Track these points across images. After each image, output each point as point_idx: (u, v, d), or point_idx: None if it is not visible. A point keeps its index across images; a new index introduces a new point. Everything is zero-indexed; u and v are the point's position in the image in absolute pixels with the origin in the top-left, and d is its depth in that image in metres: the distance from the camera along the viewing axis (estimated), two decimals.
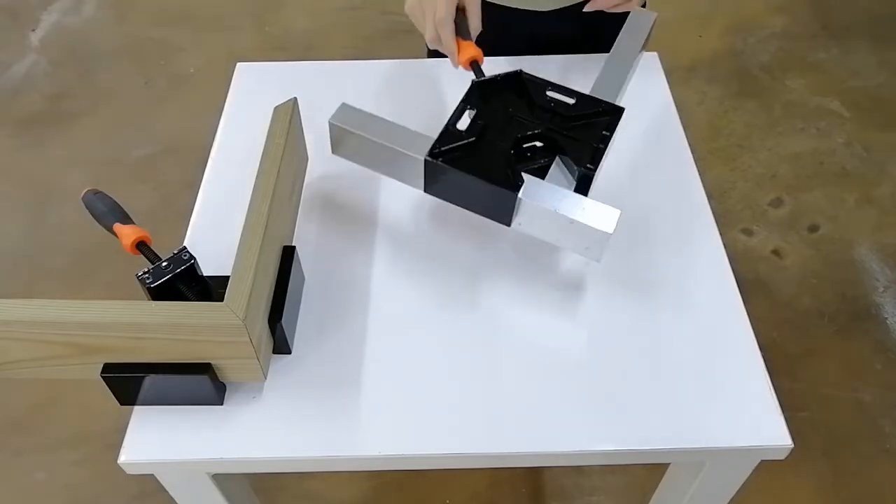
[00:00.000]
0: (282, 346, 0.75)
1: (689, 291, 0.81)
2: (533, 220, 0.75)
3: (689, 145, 0.96)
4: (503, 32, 1.08)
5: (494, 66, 1.02)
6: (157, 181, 2.09)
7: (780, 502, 1.47)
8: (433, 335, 0.78)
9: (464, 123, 0.79)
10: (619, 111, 0.81)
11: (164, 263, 0.71)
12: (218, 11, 2.66)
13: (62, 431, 1.60)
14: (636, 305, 0.80)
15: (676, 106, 1.01)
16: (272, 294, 0.73)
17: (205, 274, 0.75)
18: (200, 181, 0.94)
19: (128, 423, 0.72)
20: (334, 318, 0.79)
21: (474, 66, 0.84)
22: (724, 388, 0.73)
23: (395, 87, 1.05)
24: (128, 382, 0.69)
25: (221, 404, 0.72)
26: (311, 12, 2.64)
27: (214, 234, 0.85)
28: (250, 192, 0.74)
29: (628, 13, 0.95)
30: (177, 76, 2.42)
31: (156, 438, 0.71)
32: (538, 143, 0.80)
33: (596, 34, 0.99)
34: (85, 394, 1.59)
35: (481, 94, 0.82)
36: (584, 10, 0.96)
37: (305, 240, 0.86)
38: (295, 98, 0.85)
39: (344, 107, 0.82)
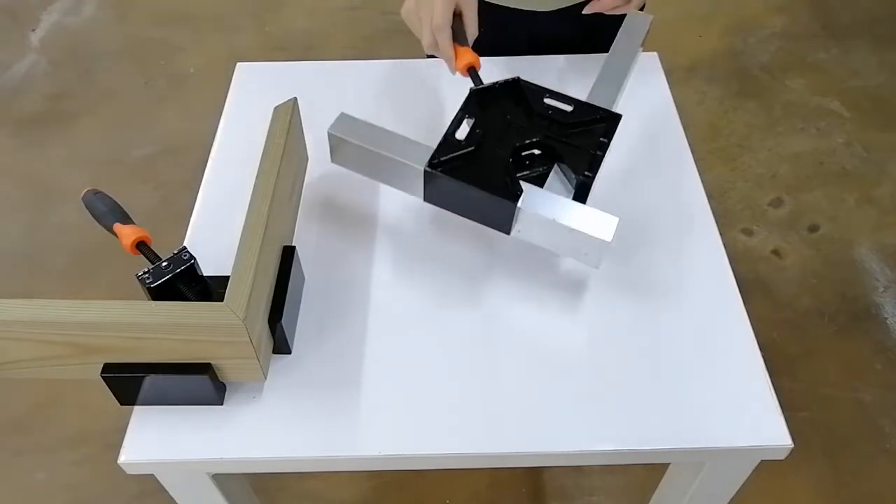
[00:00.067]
0: (282, 346, 0.75)
1: (689, 291, 0.81)
2: (532, 228, 0.76)
3: (689, 145, 0.96)
4: (503, 33, 1.08)
5: (494, 66, 1.02)
6: (157, 181, 2.09)
7: (780, 502, 1.47)
8: (433, 335, 0.78)
9: (462, 132, 0.79)
10: (617, 118, 0.82)
11: (164, 263, 0.71)
12: (218, 11, 2.66)
13: (62, 431, 1.60)
14: (636, 305, 0.80)
15: (676, 106, 1.01)
16: (272, 294, 0.73)
17: (205, 274, 0.75)
18: (200, 181, 0.94)
19: (128, 423, 0.72)
20: (334, 318, 0.79)
21: (472, 72, 0.84)
22: (724, 388, 0.73)
23: (394, 88, 1.05)
24: (128, 382, 0.69)
25: (221, 404, 0.72)
26: (311, 12, 2.64)
27: (214, 234, 0.85)
28: (250, 192, 0.74)
29: (626, 15, 0.95)
30: (177, 76, 2.42)
31: (156, 438, 0.71)
32: (536, 151, 0.81)
33: (595, 34, 0.99)
34: (85, 394, 1.59)
35: (479, 102, 0.82)
36: (583, 12, 0.96)
37: (305, 240, 0.86)
38: (295, 98, 0.85)
39: (343, 116, 0.82)
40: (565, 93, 0.83)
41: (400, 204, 0.90)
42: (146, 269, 0.71)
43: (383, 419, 0.72)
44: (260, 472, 0.75)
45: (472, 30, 0.85)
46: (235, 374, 0.71)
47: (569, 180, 0.79)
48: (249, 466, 0.72)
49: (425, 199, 0.79)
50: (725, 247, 0.85)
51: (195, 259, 0.72)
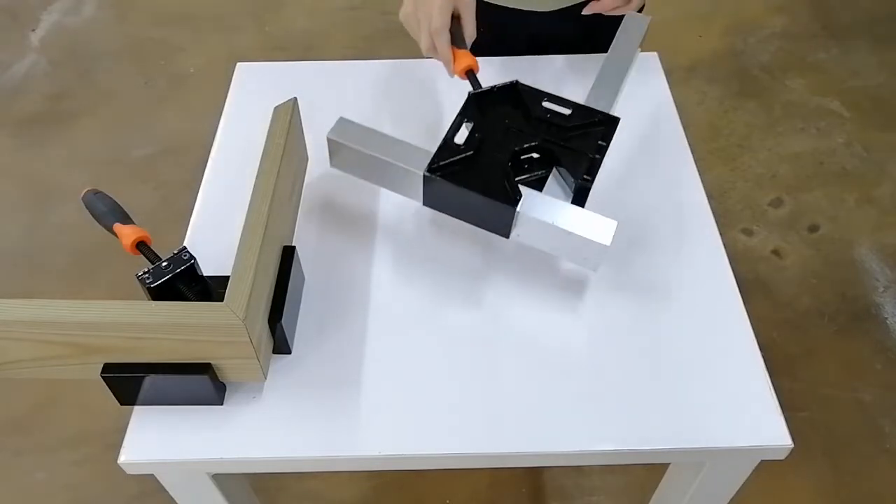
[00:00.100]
0: (282, 346, 0.75)
1: (689, 291, 0.81)
2: (531, 232, 0.76)
3: (689, 145, 0.96)
4: (503, 33, 1.08)
5: (492, 66, 1.02)
6: (157, 181, 2.09)
7: (780, 502, 1.47)
8: (433, 335, 0.78)
9: (461, 136, 0.79)
10: (615, 121, 0.82)
11: (164, 263, 0.71)
12: (218, 11, 2.66)
13: (62, 431, 1.60)
14: (636, 305, 0.80)
15: (676, 106, 1.01)
16: (272, 294, 0.73)
17: (205, 274, 0.75)
18: (200, 181, 0.94)
19: (128, 423, 0.72)
20: (334, 318, 0.79)
21: (470, 75, 0.84)
22: (724, 388, 0.73)
23: (394, 88, 1.05)
24: (128, 382, 0.69)
25: (221, 404, 0.72)
26: (311, 12, 2.64)
27: (214, 234, 0.85)
28: (250, 192, 0.74)
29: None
30: (177, 76, 2.42)
31: (156, 438, 0.71)
32: (535, 155, 0.81)
33: (595, 34, 0.99)
34: (85, 394, 1.59)
35: (478, 105, 0.82)
36: (582, 12, 0.96)
37: (305, 240, 0.86)
38: (295, 98, 0.85)
39: (342, 121, 0.82)
40: (564, 94, 0.83)
41: (400, 204, 0.90)
42: (146, 269, 0.71)
43: (383, 419, 0.72)
44: (260, 472, 0.75)
45: (470, 32, 0.85)
46: (235, 374, 0.71)
47: (568, 184, 0.79)
48: (249, 466, 0.72)
49: (424, 203, 0.80)
50: (725, 247, 0.85)
51: (195, 259, 0.72)
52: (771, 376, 0.74)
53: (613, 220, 0.74)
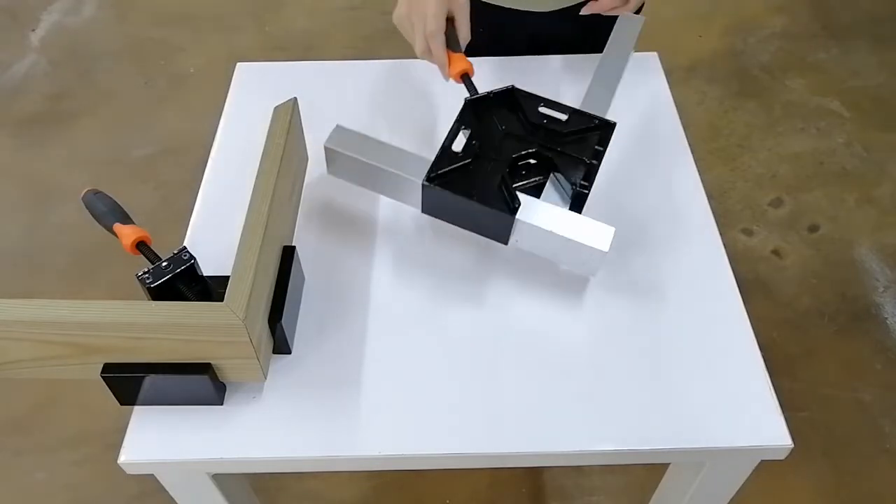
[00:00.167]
0: (282, 346, 0.75)
1: (689, 291, 0.81)
2: (530, 239, 0.77)
3: (689, 145, 0.96)
4: (502, 33, 1.08)
5: (489, 67, 1.02)
6: (157, 181, 2.09)
7: (780, 502, 1.47)
8: (433, 335, 0.78)
9: (459, 144, 0.79)
10: (611, 126, 0.82)
11: (164, 263, 0.71)
12: (218, 11, 2.65)
13: (62, 431, 1.60)
14: (636, 305, 0.80)
15: (676, 106, 1.01)
16: (272, 294, 0.73)
17: (205, 274, 0.75)
18: (200, 181, 0.94)
19: (128, 423, 0.72)
20: (334, 318, 0.79)
21: (465, 79, 0.84)
22: (724, 388, 0.73)
23: (394, 88, 1.05)
24: (128, 382, 0.69)
25: (221, 404, 0.72)
26: (311, 12, 2.64)
27: (214, 234, 0.85)
28: (250, 192, 0.74)
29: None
30: (177, 76, 2.42)
31: (156, 438, 0.71)
32: (532, 160, 0.81)
33: (595, 34, 0.99)
34: (85, 394, 1.59)
35: (474, 112, 0.83)
36: (580, 12, 0.96)
37: (306, 240, 0.86)
38: (295, 98, 0.85)
39: (339, 129, 0.82)
40: (561, 95, 0.84)
41: (400, 205, 0.89)
42: (146, 269, 0.71)
43: (383, 419, 0.72)
44: (260, 472, 0.75)
45: (464, 34, 0.85)
46: (235, 374, 0.71)
47: (566, 190, 0.79)
48: (249, 466, 0.72)
49: (423, 211, 0.80)
50: (725, 247, 0.85)
51: (195, 259, 0.72)
52: (771, 376, 0.74)
53: (611, 227, 0.75)
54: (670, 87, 1.03)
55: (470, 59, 0.85)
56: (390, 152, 0.80)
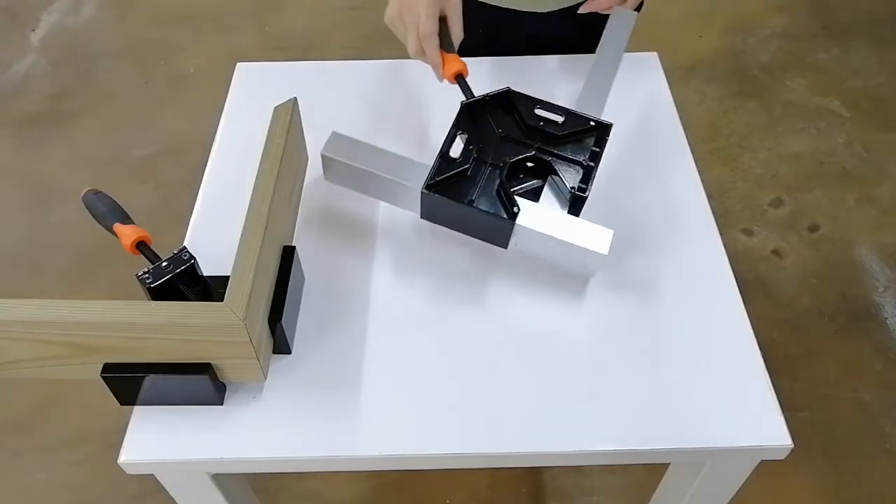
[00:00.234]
0: (282, 346, 0.75)
1: (689, 291, 0.81)
2: (529, 243, 0.77)
3: (689, 145, 0.96)
4: (501, 33, 1.08)
5: (486, 67, 1.02)
6: (157, 181, 2.09)
7: (780, 502, 1.47)
8: (433, 335, 0.78)
9: (456, 149, 0.79)
10: (608, 127, 0.82)
11: (164, 263, 0.71)
12: (218, 11, 2.65)
13: (62, 431, 1.60)
14: (636, 305, 0.80)
15: (676, 106, 1.01)
16: (272, 294, 0.73)
17: (205, 274, 0.75)
18: (200, 181, 0.94)
19: (128, 423, 0.72)
20: (334, 318, 0.79)
21: (460, 79, 0.83)
22: (724, 388, 0.73)
23: (394, 88, 1.05)
24: (128, 382, 0.69)
25: (221, 404, 0.72)
26: (311, 12, 2.64)
27: (214, 234, 0.85)
28: (250, 192, 0.74)
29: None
30: (177, 76, 2.42)
31: (156, 438, 0.71)
32: (530, 164, 0.81)
33: (594, 34, 0.99)
34: (85, 394, 1.59)
35: (471, 115, 0.82)
36: (578, 11, 0.96)
37: (306, 240, 0.86)
38: (295, 98, 0.85)
39: (335, 136, 0.82)
40: (557, 95, 0.84)
41: None
42: (146, 269, 0.71)
43: (383, 419, 0.72)
44: (260, 472, 0.75)
45: (457, 32, 0.84)
46: (235, 374, 0.71)
47: (563, 193, 0.79)
48: (249, 466, 0.72)
49: (422, 217, 0.80)
50: (725, 247, 0.85)
51: (195, 259, 0.72)
52: (771, 376, 0.74)
53: (610, 230, 0.75)
54: (670, 87, 1.03)
55: (467, 59, 0.84)
56: (387, 158, 0.80)
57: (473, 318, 0.79)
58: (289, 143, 0.80)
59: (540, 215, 0.76)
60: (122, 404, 0.72)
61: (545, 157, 0.80)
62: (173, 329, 0.64)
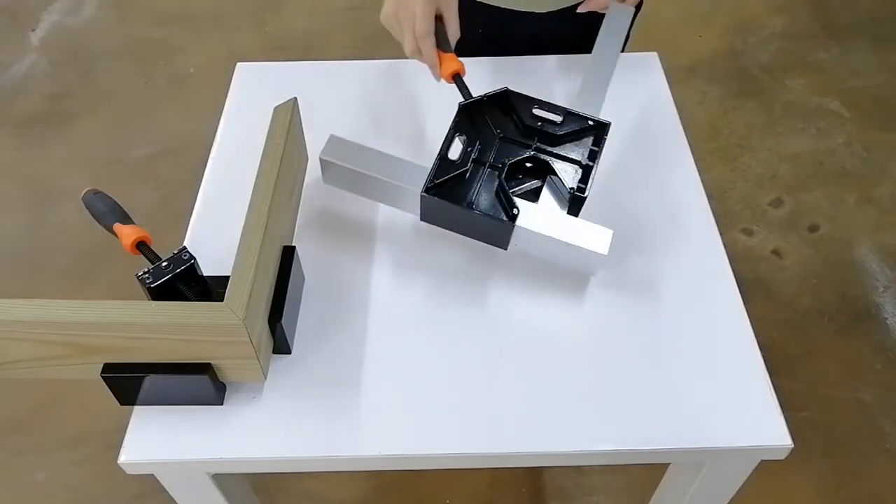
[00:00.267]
0: (282, 346, 0.75)
1: (689, 291, 0.81)
2: (529, 244, 0.77)
3: (689, 145, 0.96)
4: (501, 33, 1.08)
5: (485, 67, 1.02)
6: (157, 181, 2.09)
7: (780, 502, 1.47)
8: (433, 335, 0.78)
9: (455, 151, 0.79)
10: (606, 126, 0.82)
11: (164, 263, 0.71)
12: (218, 11, 2.65)
13: (62, 431, 1.60)
14: (636, 305, 0.80)
15: (676, 106, 1.01)
16: (272, 294, 0.73)
17: (205, 274, 0.75)
18: (200, 181, 0.94)
19: (128, 423, 0.72)
20: (334, 318, 0.79)
21: (457, 79, 0.83)
22: (724, 388, 0.73)
23: (394, 87, 1.05)
24: (128, 382, 0.69)
25: (221, 404, 0.72)
26: (311, 12, 2.64)
27: (214, 234, 0.85)
28: (250, 192, 0.74)
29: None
30: (177, 76, 2.42)
31: (156, 438, 0.71)
32: (529, 164, 0.81)
33: (594, 33, 0.99)
34: (85, 394, 1.59)
35: (469, 116, 0.82)
36: (577, 10, 0.96)
37: (306, 240, 0.86)
38: (295, 98, 0.85)
39: (333, 139, 0.82)
40: (556, 94, 0.84)
41: None
42: (146, 269, 0.71)
43: (383, 419, 0.72)
44: (260, 472, 0.75)
45: (454, 31, 0.84)
46: (235, 374, 0.71)
47: (562, 193, 0.79)
48: (249, 466, 0.72)
49: (422, 219, 0.80)
50: (725, 247, 0.85)
51: (195, 259, 0.72)
52: (771, 376, 0.74)
53: (609, 230, 0.75)
54: (670, 87, 1.03)
55: (465, 59, 0.84)
56: (386, 162, 0.80)
57: (473, 318, 0.79)
58: (289, 143, 0.80)
59: (539, 216, 0.76)
60: (122, 404, 0.72)
61: (544, 157, 0.80)
62: (173, 329, 0.64)
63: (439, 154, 0.78)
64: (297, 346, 0.77)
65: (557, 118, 0.82)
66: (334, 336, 0.78)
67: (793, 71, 2.36)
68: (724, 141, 2.16)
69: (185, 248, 0.73)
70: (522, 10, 1.06)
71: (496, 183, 0.78)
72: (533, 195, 0.80)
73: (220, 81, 1.11)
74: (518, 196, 0.78)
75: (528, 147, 0.81)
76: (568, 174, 0.79)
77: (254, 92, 1.05)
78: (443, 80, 0.84)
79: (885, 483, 1.50)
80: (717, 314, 0.79)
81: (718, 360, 0.75)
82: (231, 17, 2.64)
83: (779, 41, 2.47)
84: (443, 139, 0.79)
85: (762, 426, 0.71)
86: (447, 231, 0.85)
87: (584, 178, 0.79)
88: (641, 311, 0.79)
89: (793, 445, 0.70)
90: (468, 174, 0.78)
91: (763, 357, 0.76)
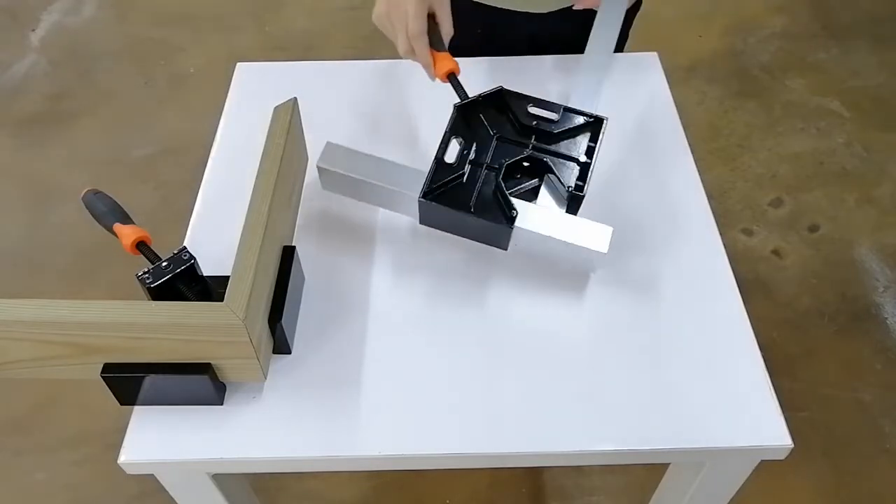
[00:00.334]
0: (282, 346, 0.75)
1: (689, 291, 0.81)
2: (528, 244, 0.77)
3: (689, 145, 0.96)
4: (501, 34, 1.08)
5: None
6: (157, 181, 2.09)
7: (780, 502, 1.47)
8: (433, 335, 0.78)
9: (452, 153, 0.79)
10: (602, 122, 0.82)
11: (164, 263, 0.71)
12: (218, 11, 2.65)
13: (62, 431, 1.60)
14: (636, 305, 0.80)
15: (676, 106, 1.01)
16: (272, 294, 0.73)
17: (205, 274, 0.75)
18: (200, 181, 0.94)
19: (128, 423, 0.72)
20: (334, 318, 0.79)
21: (452, 78, 0.83)
22: (724, 388, 0.73)
23: (394, 87, 1.05)
24: (128, 382, 0.69)
25: (221, 404, 0.72)
26: (311, 12, 2.64)
27: (214, 234, 0.85)
28: (250, 192, 0.74)
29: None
30: (177, 76, 2.42)
31: (156, 438, 0.71)
32: (526, 163, 0.81)
33: None
34: (85, 394, 1.58)
35: (465, 117, 0.82)
36: (573, 7, 0.96)
37: (306, 240, 0.86)
38: (295, 98, 0.85)
39: (329, 146, 0.82)
40: (552, 94, 0.83)
41: None
42: (146, 269, 0.71)
43: (383, 419, 0.72)
44: (260, 472, 0.75)
45: (447, 29, 0.83)
46: (235, 374, 0.71)
47: (561, 191, 0.79)
48: (249, 466, 0.72)
49: (421, 223, 0.80)
50: (725, 247, 0.85)
51: (195, 259, 0.72)
52: (771, 376, 0.74)
53: (609, 227, 0.75)
54: (670, 87, 1.03)
55: (462, 59, 0.84)
56: (383, 167, 0.80)
57: (473, 317, 0.79)
58: (289, 143, 0.80)
59: (538, 216, 0.76)
60: (122, 404, 0.72)
61: (541, 156, 0.80)
62: (173, 329, 0.64)
63: (435, 157, 0.78)
64: (297, 346, 0.77)
65: (554, 116, 0.82)
66: (334, 336, 0.78)
67: (793, 71, 2.36)
68: (724, 141, 2.16)
69: (185, 248, 0.73)
70: (522, 10, 1.06)
71: (494, 186, 0.77)
72: (531, 194, 0.80)
73: (220, 81, 1.11)
74: (516, 196, 0.78)
75: (525, 146, 0.81)
76: (566, 172, 0.79)
77: (254, 92, 1.05)
78: (438, 80, 0.84)
79: (885, 483, 1.50)
80: (717, 314, 0.79)
81: (718, 360, 0.75)
82: (231, 17, 2.64)
83: (779, 41, 2.47)
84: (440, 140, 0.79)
85: (762, 426, 0.71)
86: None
87: (583, 176, 0.79)
88: (641, 312, 0.79)
89: (793, 445, 0.70)
90: (465, 177, 0.78)
91: (763, 357, 0.76)
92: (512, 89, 0.83)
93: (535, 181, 0.81)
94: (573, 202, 0.78)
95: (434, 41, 0.82)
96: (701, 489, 0.83)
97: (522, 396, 0.73)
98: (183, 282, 0.72)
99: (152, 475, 0.75)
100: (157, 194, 2.05)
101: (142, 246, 0.74)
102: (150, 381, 0.69)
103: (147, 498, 1.47)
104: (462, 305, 0.80)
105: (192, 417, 0.71)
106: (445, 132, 0.80)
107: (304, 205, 0.90)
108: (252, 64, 1.09)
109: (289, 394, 0.73)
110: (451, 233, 0.80)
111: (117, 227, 0.76)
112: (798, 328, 1.73)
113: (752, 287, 1.79)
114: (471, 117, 0.82)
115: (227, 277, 0.67)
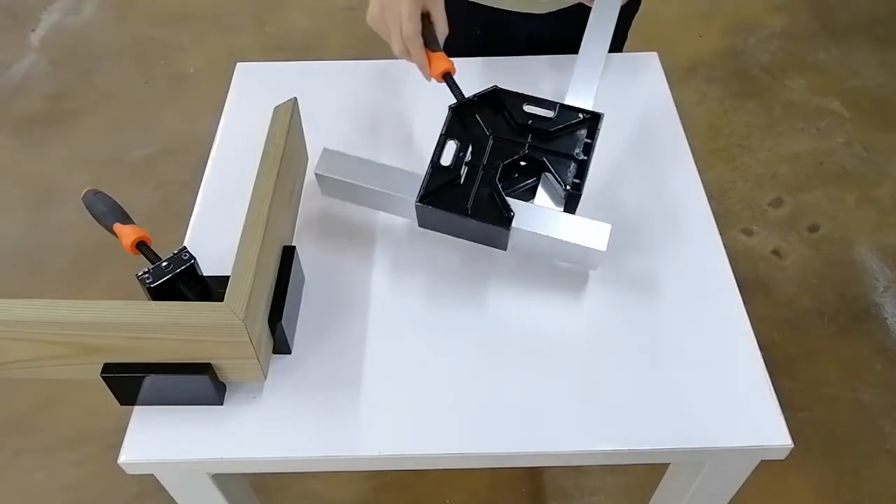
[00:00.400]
0: (282, 346, 0.75)
1: (689, 291, 0.81)
2: (527, 244, 0.77)
3: (689, 145, 0.96)
4: (500, 34, 1.08)
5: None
6: (157, 181, 2.09)
7: (780, 502, 1.47)
8: (433, 335, 0.78)
9: (448, 155, 0.79)
10: (598, 117, 0.82)
11: (164, 263, 0.71)
12: (218, 11, 2.65)
13: (62, 431, 1.60)
14: (636, 305, 0.80)
15: (676, 106, 1.01)
16: (272, 294, 0.73)
17: (205, 274, 0.75)
18: (200, 181, 0.94)
19: (128, 423, 0.72)
20: (334, 318, 0.79)
21: (447, 78, 0.83)
22: (724, 388, 0.73)
23: (394, 87, 1.05)
24: (128, 382, 0.69)
25: (221, 404, 0.72)
26: (311, 12, 2.64)
27: (214, 234, 0.85)
28: (250, 192, 0.74)
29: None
30: (177, 76, 2.42)
31: (156, 438, 0.71)
32: (523, 163, 0.81)
33: None
34: (85, 394, 1.59)
35: (460, 118, 0.82)
36: (569, 4, 0.96)
37: (306, 240, 0.86)
38: (295, 98, 0.85)
39: (327, 153, 0.82)
40: (549, 93, 0.83)
41: None
42: (146, 269, 0.71)
43: (383, 419, 0.72)
44: (260, 472, 0.75)
45: (442, 29, 0.83)
46: (235, 374, 0.71)
47: (558, 189, 0.79)
48: (249, 466, 0.72)
49: (420, 226, 0.80)
50: (725, 247, 0.85)
51: (195, 259, 0.72)
52: (771, 376, 0.74)
53: (607, 224, 0.75)
54: (670, 87, 1.03)
55: (458, 59, 0.84)
56: (380, 172, 0.80)
57: (473, 317, 0.79)
58: (289, 143, 0.80)
59: (536, 216, 0.76)
60: (122, 404, 0.72)
61: (538, 155, 0.80)
62: (173, 329, 0.64)
63: (431, 160, 0.78)
64: (297, 346, 0.77)
65: (549, 113, 0.82)
66: (334, 336, 0.78)
67: (793, 71, 2.36)
68: (724, 141, 2.16)
69: (185, 248, 0.73)
70: (520, 11, 1.06)
71: (491, 188, 0.77)
72: (529, 193, 0.80)
73: (220, 81, 1.11)
74: (514, 195, 0.78)
75: (522, 145, 0.81)
76: (563, 170, 0.79)
77: (254, 92, 1.05)
78: (434, 80, 0.84)
79: (885, 483, 1.50)
80: (717, 314, 0.79)
81: (718, 360, 0.75)
82: (231, 17, 2.64)
83: (779, 41, 2.47)
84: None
85: (762, 426, 0.71)
86: None
87: (580, 174, 0.78)
88: (641, 312, 0.79)
89: (793, 445, 0.70)
90: (462, 180, 0.78)
91: (763, 357, 0.76)
92: (507, 88, 0.83)
93: (532, 180, 0.81)
94: (571, 200, 0.78)
95: (429, 41, 0.82)
96: (701, 489, 0.83)
97: (522, 396, 0.73)
98: (183, 282, 0.72)
99: (152, 475, 0.75)
100: (157, 194, 2.05)
101: (142, 246, 0.74)
102: (150, 381, 0.69)
103: (147, 498, 1.47)
104: (462, 305, 0.80)
105: (192, 417, 0.71)
106: (441, 134, 0.80)
107: (304, 205, 0.90)
108: (252, 64, 1.09)
109: (289, 394, 0.73)
110: (450, 234, 0.80)
111: (117, 227, 0.76)
112: (798, 328, 1.73)
113: (752, 287, 1.79)
114: (466, 118, 0.82)
115: (227, 277, 0.67)
